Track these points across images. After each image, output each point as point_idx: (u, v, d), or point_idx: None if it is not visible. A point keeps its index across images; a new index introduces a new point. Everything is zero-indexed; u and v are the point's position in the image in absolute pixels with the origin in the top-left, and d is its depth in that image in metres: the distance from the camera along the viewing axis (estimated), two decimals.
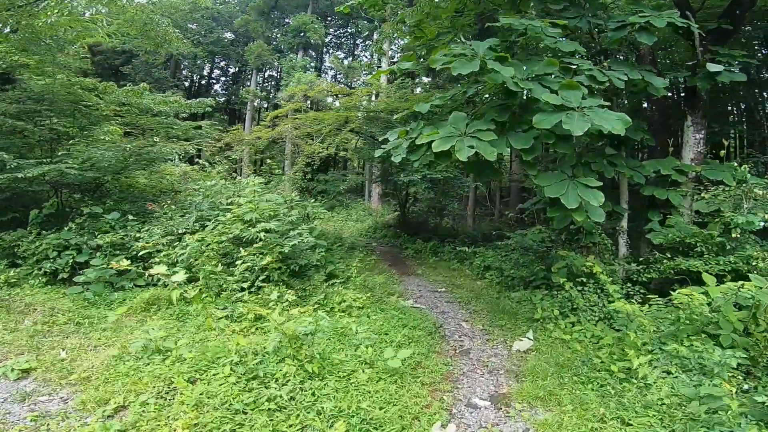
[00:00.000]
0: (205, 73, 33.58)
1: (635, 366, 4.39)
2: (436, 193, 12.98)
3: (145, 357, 3.92)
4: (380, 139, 9.74)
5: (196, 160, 16.32)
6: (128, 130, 13.17)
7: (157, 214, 7.49)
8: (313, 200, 9.70)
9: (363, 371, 3.84)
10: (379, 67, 23.66)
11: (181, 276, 3.60)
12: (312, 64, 29.52)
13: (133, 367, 3.84)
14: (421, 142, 5.03)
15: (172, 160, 14.28)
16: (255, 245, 6.31)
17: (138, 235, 6.79)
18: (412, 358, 4.69)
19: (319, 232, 8.23)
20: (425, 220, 15.80)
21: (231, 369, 3.43)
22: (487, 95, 5.83)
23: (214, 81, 36.96)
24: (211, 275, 5.78)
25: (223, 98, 33.75)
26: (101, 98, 17.44)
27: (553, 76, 4.94)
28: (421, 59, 7.64)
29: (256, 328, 4.83)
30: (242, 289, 5.70)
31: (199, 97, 18.81)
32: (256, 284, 5.93)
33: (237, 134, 13.12)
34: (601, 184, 5.05)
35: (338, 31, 33.01)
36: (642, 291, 6.32)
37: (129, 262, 4.49)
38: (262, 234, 6.19)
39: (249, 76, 27.12)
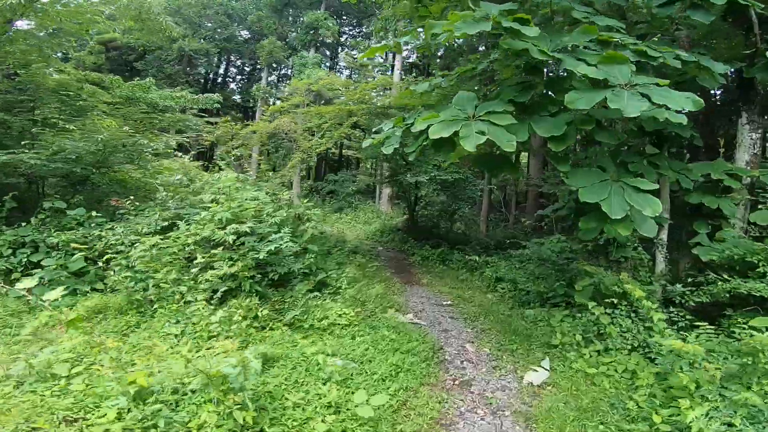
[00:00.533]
0: (221, 70, 33.36)
1: (689, 420, 3.34)
2: (447, 196, 12.01)
3: (27, 384, 3.06)
4: (373, 130, 8.92)
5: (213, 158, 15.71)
6: (125, 124, 12.58)
7: (122, 211, 6.73)
8: (306, 200, 8.83)
9: (323, 420, 2.91)
10: (393, 65, 22.77)
11: (56, 293, 2.76)
12: (327, 64, 28.93)
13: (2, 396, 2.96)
14: (417, 128, 4.08)
15: (173, 155, 13.67)
16: (222, 249, 5.46)
17: (100, 233, 6.02)
18: (396, 397, 3.73)
19: (309, 235, 7.33)
20: (435, 225, 14.81)
21: (118, 414, 2.55)
22: (502, 70, 4.82)
23: (230, 79, 36.75)
24: (163, 283, 4.96)
25: (239, 96, 33.42)
26: (109, 92, 16.99)
27: (589, 49, 3.92)
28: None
29: (208, 349, 3.94)
30: (195, 301, 4.82)
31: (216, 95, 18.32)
32: (217, 296, 5.05)
33: (227, 128, 12.43)
34: (657, 186, 3.99)
35: (353, 30, 32.40)
36: (686, 316, 5.22)
37: (85, 262, 3.68)
38: (231, 237, 5.32)
39: (262, 74, 26.66)
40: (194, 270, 5.21)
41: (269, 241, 5.81)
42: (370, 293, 7.21)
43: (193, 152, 15.82)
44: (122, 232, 5.83)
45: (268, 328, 4.93)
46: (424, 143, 4.02)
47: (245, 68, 32.93)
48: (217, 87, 31.32)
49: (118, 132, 7.80)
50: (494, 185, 17.55)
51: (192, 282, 5.23)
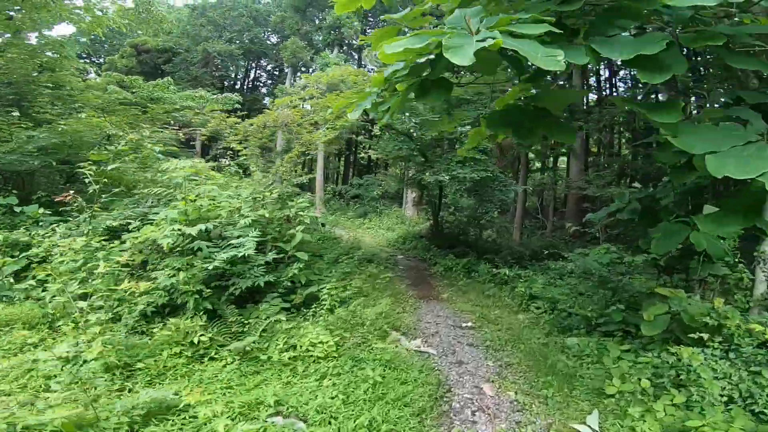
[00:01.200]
0: (251, 73, 33.31)
1: None
2: (473, 198, 10.49)
3: None
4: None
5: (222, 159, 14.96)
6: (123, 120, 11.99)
7: (68, 208, 5.78)
8: (300, 198, 7.63)
9: None
10: None
11: None
12: (353, 64, 28.04)
13: None
14: (390, 68, 2.70)
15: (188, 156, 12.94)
16: (177, 256, 4.29)
17: (42, 233, 5.04)
18: None
19: (298, 241, 6.10)
20: (462, 232, 13.26)
21: None
22: None
23: (260, 83, 36.70)
24: (64, 295, 3.86)
25: (268, 99, 33.16)
26: (132, 92, 16.67)
27: None
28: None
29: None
30: (102, 322, 3.65)
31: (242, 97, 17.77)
32: (135, 314, 3.87)
33: (217, 121, 11.54)
34: None
35: None
36: None
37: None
38: (168, 241, 4.15)
39: (287, 75, 26.16)
40: (96, 281, 4.07)
41: (233, 246, 4.60)
42: (369, 313, 5.85)
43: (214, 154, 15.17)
44: (61, 232, 4.82)
45: (208, 358, 3.69)
46: (396, 79, 2.63)
47: (274, 71, 32.72)
48: (245, 90, 31.21)
49: (79, 124, 6.91)
50: (529, 186, 15.79)
51: (125, 295, 4.09)
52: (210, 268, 4.16)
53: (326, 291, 5.87)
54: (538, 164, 24.07)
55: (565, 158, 24.18)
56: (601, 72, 23.28)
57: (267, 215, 6.03)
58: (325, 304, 5.91)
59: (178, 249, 4.31)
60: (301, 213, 6.88)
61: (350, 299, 6.46)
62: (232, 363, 3.65)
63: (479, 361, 5.21)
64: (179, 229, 4.25)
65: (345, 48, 26.24)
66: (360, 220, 20.86)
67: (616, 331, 5.13)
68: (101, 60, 28.12)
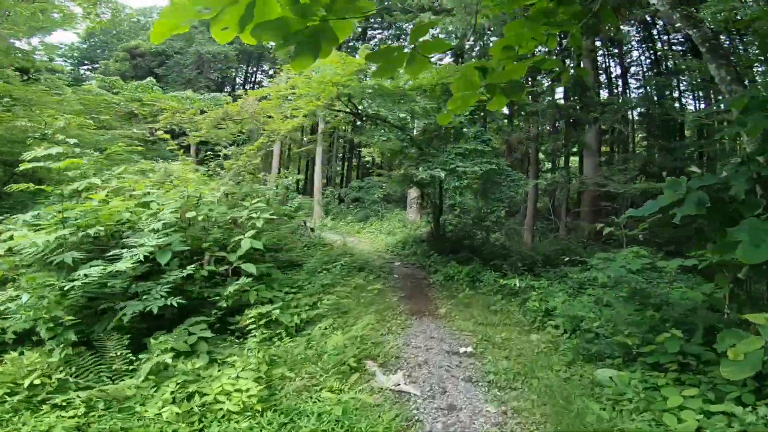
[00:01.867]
0: (250, 75, 32.39)
1: None
2: (477, 195, 9.13)
3: None
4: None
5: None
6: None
7: None
8: (255, 199, 6.35)
9: None
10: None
11: None
12: None
13: None
14: None
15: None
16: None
17: None
18: None
19: (246, 250, 4.84)
20: (468, 235, 11.87)
21: None
22: None
23: (262, 86, 35.76)
24: None
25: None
26: (114, 93, 15.80)
27: None
28: None
29: None
30: None
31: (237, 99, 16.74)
32: None
33: (169, 113, 10.37)
34: None
35: (382, 33, 30.24)
36: None
37: None
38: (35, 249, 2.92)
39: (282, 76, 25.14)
40: None
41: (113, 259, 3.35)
42: (336, 339, 4.55)
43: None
44: None
45: (50, 405, 2.44)
46: None
47: (271, 73, 31.80)
48: (243, 91, 30.18)
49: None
50: (540, 182, 14.36)
51: None
52: (70, 287, 2.93)
53: (277, 312, 4.58)
54: (548, 165, 22.51)
55: (575, 158, 22.70)
56: (612, 69, 21.83)
57: (202, 218, 4.79)
58: (283, 327, 4.64)
59: (47, 260, 3.11)
60: (254, 216, 5.60)
61: (316, 320, 5.18)
62: (81, 415, 2.41)
63: (477, 405, 3.88)
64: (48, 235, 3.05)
65: (343, 48, 25.12)
66: (360, 224, 19.56)
67: (668, 364, 3.74)
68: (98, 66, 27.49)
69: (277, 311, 4.78)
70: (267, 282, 5.54)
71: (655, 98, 17.28)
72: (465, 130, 8.75)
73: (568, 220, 19.11)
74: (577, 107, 15.56)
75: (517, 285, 6.83)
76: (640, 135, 22.39)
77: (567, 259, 9.32)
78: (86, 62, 34.06)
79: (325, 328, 4.98)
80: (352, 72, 8.15)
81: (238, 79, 31.78)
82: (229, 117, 9.74)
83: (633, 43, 21.00)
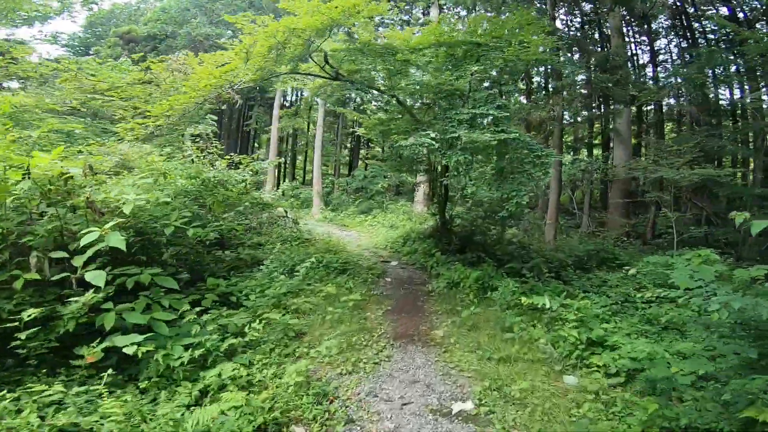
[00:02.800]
0: None
1: None
2: (492, 181, 7.10)
3: None
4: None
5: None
6: None
7: None
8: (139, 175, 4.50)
9: None
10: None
11: None
12: None
13: None
14: None
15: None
16: None
17: None
18: None
19: (96, 245, 3.02)
20: (479, 230, 9.88)
21: None
22: None
23: None
24: None
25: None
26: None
27: None
28: None
29: None
30: None
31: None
32: None
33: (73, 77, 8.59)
34: None
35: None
36: None
37: None
38: None
39: None
40: None
41: None
42: (238, 398, 2.70)
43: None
44: None
45: None
46: None
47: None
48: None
49: None
50: (570, 167, 12.23)
51: None
52: None
53: (147, 347, 2.76)
54: (568, 158, 20.04)
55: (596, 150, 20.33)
56: (641, 56, 19.25)
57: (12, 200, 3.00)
58: (120, 377, 2.81)
59: None
60: (116, 198, 3.75)
61: (221, 358, 3.36)
62: None
63: None
64: None
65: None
66: (363, 216, 17.69)
67: None
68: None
69: (147, 347, 2.97)
70: (155, 296, 3.72)
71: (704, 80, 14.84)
72: (473, 93, 6.76)
73: (591, 214, 16.87)
74: (610, 84, 13.28)
75: (548, 305, 4.84)
76: (669, 123, 19.95)
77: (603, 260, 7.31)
78: (91, 52, 32.94)
79: (236, 371, 3.15)
80: (328, 20, 6.24)
81: None
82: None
83: (661, 29, 18.55)
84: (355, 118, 10.86)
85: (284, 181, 25.04)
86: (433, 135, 5.44)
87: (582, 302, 4.83)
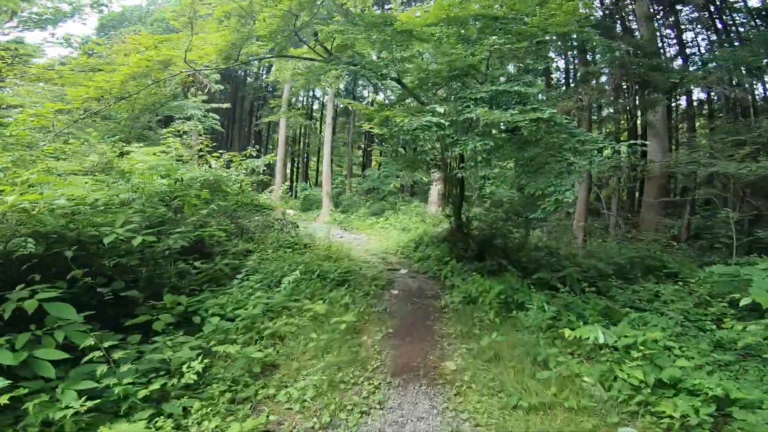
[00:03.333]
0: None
1: None
2: (520, 174, 5.89)
3: None
4: None
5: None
6: None
7: None
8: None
9: None
10: None
11: None
12: None
13: None
14: None
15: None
16: None
17: None
18: None
19: None
20: (500, 233, 8.68)
21: None
22: None
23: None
24: None
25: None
26: None
27: None
28: None
29: None
30: None
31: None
32: None
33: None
34: None
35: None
36: None
37: None
38: None
39: None
40: None
41: None
42: None
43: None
44: None
45: None
46: None
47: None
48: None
49: None
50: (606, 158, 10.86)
51: None
52: None
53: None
54: (608, 151, 18.49)
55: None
56: (668, 49, 17.59)
57: None
58: None
59: None
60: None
61: (144, 405, 2.34)
62: None
63: None
64: None
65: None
66: (374, 218, 16.64)
67: None
68: None
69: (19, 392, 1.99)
70: (67, 328, 2.75)
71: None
72: (491, 71, 5.63)
73: (619, 213, 15.35)
74: (644, 69, 11.85)
75: (601, 340, 3.63)
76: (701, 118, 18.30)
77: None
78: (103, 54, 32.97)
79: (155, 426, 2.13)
80: None
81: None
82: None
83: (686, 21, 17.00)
84: (361, 110, 9.90)
85: (296, 182, 24.24)
86: (441, 110, 4.31)
87: (649, 333, 3.61)
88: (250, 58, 7.26)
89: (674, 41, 17.44)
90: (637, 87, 11.54)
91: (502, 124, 5.13)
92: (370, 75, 6.26)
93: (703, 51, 16.98)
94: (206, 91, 6.71)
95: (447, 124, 4.32)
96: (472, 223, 9.06)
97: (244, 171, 8.76)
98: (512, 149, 5.45)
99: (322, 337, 4.30)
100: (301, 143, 28.77)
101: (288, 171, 29.60)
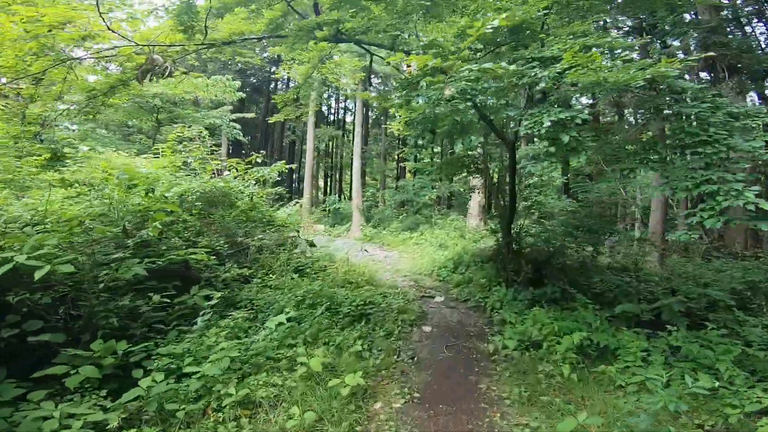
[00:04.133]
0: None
1: None
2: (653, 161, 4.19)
3: None
4: None
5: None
6: None
7: None
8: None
9: None
10: None
11: None
12: None
13: None
14: None
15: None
16: None
17: None
18: None
19: None
20: (559, 251, 6.94)
21: None
22: None
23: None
24: None
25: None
26: None
27: None
28: None
29: None
30: None
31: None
32: None
33: None
34: None
35: None
36: None
37: None
38: None
39: None
40: None
41: None
42: None
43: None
44: None
45: None
46: None
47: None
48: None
49: None
50: None
51: None
52: None
53: None
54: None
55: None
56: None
57: None
58: None
59: None
60: None
61: None
62: None
63: None
64: None
65: None
66: (407, 233, 15.11)
67: None
68: None
69: None
70: None
71: None
72: (552, 31, 4.09)
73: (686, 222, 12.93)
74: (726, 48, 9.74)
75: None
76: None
77: None
78: None
79: None
80: None
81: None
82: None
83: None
84: (379, 101, 8.63)
85: (328, 195, 23.26)
86: (490, 66, 2.73)
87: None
88: (237, 39, 6.07)
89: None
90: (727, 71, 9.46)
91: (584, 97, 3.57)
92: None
93: None
94: (166, 74, 5.50)
95: (506, 83, 2.81)
96: (524, 239, 7.39)
97: (254, 182, 7.61)
98: (590, 138, 3.79)
99: (312, 409, 2.86)
100: (333, 156, 27.91)
101: (321, 184, 28.79)
